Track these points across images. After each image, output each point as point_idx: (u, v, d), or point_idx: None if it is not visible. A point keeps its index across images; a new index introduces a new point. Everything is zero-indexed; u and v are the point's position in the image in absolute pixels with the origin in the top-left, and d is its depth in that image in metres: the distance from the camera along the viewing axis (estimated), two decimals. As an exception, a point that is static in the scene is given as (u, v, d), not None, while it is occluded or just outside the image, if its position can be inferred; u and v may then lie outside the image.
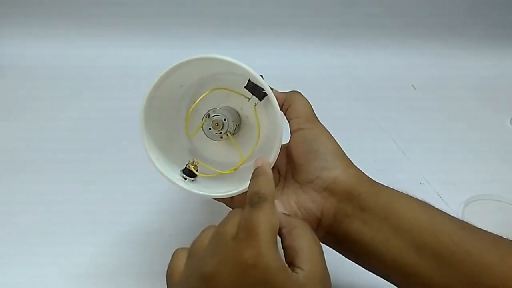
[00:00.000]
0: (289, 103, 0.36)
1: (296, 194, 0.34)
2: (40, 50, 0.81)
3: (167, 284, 0.27)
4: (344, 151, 0.34)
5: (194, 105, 0.37)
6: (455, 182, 0.57)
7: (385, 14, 0.86)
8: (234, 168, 0.37)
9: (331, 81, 0.81)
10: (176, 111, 0.39)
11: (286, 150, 0.36)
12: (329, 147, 0.34)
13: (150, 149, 0.35)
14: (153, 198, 0.51)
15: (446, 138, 0.67)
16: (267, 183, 0.28)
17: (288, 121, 0.36)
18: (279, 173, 0.37)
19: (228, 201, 0.37)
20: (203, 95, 0.37)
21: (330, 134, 0.35)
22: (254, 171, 0.30)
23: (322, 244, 0.33)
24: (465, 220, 0.43)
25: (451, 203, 0.53)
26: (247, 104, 0.38)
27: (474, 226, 0.30)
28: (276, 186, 0.36)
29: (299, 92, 0.37)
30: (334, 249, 0.34)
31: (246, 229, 0.24)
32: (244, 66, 0.32)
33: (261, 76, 0.34)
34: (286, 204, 0.34)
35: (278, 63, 0.84)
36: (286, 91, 0.37)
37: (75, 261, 0.43)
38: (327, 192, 0.32)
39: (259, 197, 0.26)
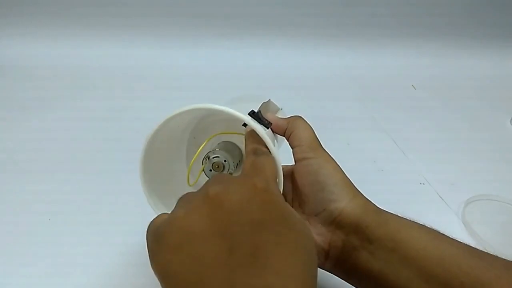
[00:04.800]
0: (291, 130, 0.35)
1: None
2: (40, 50, 0.81)
3: (149, 238, 0.25)
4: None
5: (194, 157, 0.36)
6: (455, 182, 0.57)
7: (385, 14, 0.86)
8: None
9: (331, 81, 0.81)
10: (177, 148, 0.39)
11: (291, 177, 0.35)
12: (334, 178, 0.33)
13: (151, 197, 0.35)
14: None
15: (446, 138, 0.67)
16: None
17: (292, 149, 0.35)
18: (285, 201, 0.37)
19: None
20: (201, 146, 0.36)
21: (335, 162, 0.34)
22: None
23: (331, 274, 0.34)
24: (465, 220, 0.43)
25: (451, 203, 0.53)
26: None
27: (483, 252, 0.29)
28: None
29: (301, 117, 0.36)
30: (343, 279, 0.33)
31: (254, 167, 0.26)
32: (238, 114, 0.31)
33: (259, 112, 0.34)
34: None
35: (278, 63, 0.84)
36: (288, 117, 0.37)
37: (75, 261, 0.43)
38: (333, 225, 0.32)
39: (264, 151, 0.28)
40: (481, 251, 0.30)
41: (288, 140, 0.36)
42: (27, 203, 0.50)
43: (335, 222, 0.32)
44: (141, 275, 0.42)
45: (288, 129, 0.36)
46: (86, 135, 0.62)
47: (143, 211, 0.49)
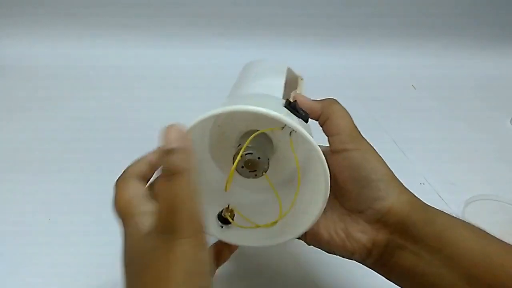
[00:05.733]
0: (327, 115, 0.32)
1: (343, 221, 0.32)
2: (40, 50, 0.81)
3: None
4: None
5: (237, 160, 0.30)
6: (455, 182, 0.57)
7: (385, 14, 0.86)
8: (273, 222, 0.32)
9: (331, 81, 0.81)
10: (201, 135, 0.35)
11: None
12: (380, 172, 0.31)
13: None
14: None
15: (446, 138, 0.67)
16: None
17: (327, 137, 0.32)
18: None
19: None
20: (243, 147, 0.31)
21: (378, 154, 0.32)
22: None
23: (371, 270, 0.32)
24: (464, 218, 0.43)
25: (451, 203, 0.53)
26: (280, 132, 0.33)
27: None
28: None
29: (336, 101, 0.33)
30: (383, 276, 0.32)
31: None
32: (285, 119, 0.27)
33: (295, 102, 0.30)
34: (332, 231, 0.32)
35: (278, 63, 0.84)
36: (321, 99, 0.33)
37: (75, 261, 0.43)
38: (380, 223, 0.30)
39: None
40: None
41: (322, 127, 0.32)
42: (27, 203, 0.50)
43: (381, 221, 0.30)
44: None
45: (323, 115, 0.32)
46: (86, 135, 0.62)
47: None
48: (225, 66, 0.83)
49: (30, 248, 0.44)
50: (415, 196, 0.32)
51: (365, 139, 0.32)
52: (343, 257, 0.32)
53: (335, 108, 0.32)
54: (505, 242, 0.29)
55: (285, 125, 0.28)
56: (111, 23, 0.83)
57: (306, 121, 0.30)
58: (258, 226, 0.33)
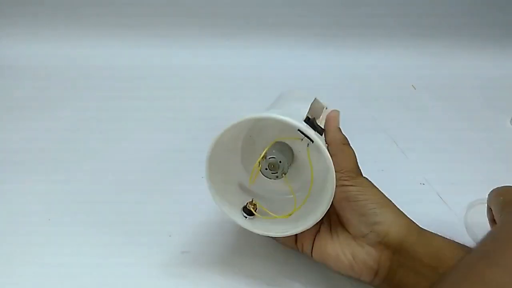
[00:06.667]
0: (333, 153, 0.36)
1: (349, 245, 0.36)
2: (40, 50, 0.81)
3: None
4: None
5: (257, 162, 0.37)
6: (455, 182, 0.57)
7: (385, 14, 0.86)
8: (289, 213, 0.38)
9: (331, 81, 0.81)
10: (234, 143, 0.41)
11: None
12: (375, 200, 0.35)
13: (217, 194, 0.38)
14: (153, 198, 0.51)
15: (446, 138, 0.67)
16: None
17: None
18: None
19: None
20: (262, 154, 0.37)
21: (373, 185, 0.36)
22: None
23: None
24: (467, 223, 0.44)
25: (451, 203, 0.53)
26: (299, 142, 0.39)
27: None
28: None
29: (346, 143, 0.38)
30: None
31: None
32: (296, 123, 0.33)
33: (314, 119, 0.37)
34: (340, 252, 0.35)
35: (278, 63, 0.84)
36: (335, 133, 0.38)
37: (75, 261, 0.43)
38: (381, 245, 0.34)
39: None
40: None
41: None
42: (27, 203, 0.50)
43: (382, 243, 0.34)
44: (142, 275, 0.42)
45: (331, 148, 0.36)
46: (86, 135, 0.62)
47: (143, 211, 0.49)
48: (225, 66, 0.83)
49: (30, 248, 0.44)
50: (411, 219, 0.35)
51: (362, 176, 0.37)
52: (351, 277, 0.36)
53: (343, 149, 0.37)
54: None
55: (303, 138, 0.35)
56: (111, 23, 0.83)
57: (321, 134, 0.37)
58: (275, 217, 0.39)
